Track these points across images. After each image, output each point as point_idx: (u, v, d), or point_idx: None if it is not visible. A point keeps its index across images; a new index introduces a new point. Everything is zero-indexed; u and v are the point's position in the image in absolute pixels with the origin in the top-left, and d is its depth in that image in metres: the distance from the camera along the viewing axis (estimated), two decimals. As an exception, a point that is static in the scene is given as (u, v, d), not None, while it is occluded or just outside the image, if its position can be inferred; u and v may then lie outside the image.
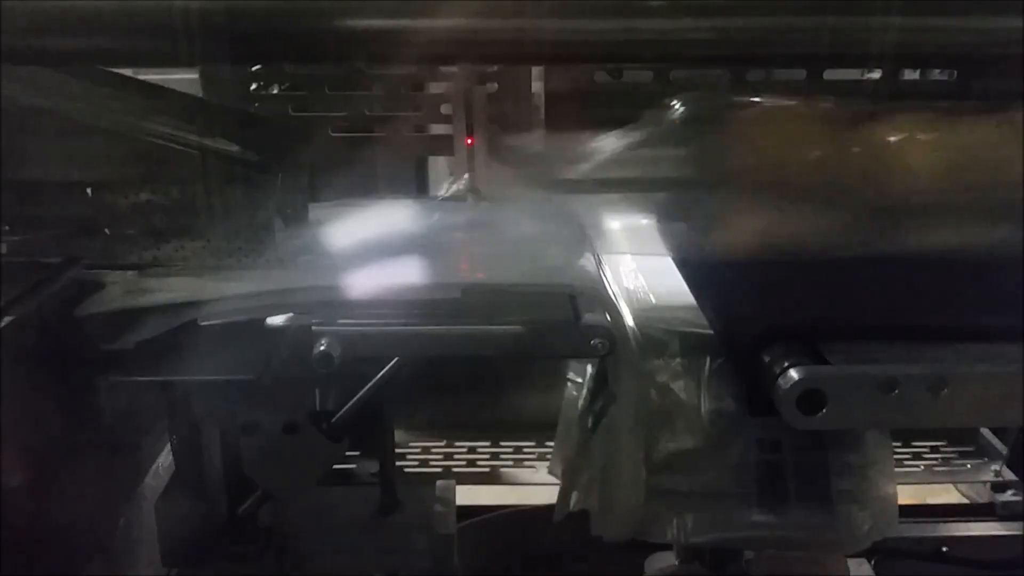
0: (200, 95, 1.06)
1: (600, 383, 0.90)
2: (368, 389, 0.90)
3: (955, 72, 1.15)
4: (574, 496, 0.93)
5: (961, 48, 0.75)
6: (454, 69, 1.10)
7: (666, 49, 0.74)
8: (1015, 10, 0.71)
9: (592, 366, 0.94)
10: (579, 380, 0.97)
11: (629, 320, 0.88)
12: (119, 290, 0.83)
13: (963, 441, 1.38)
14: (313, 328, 0.76)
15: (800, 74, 1.11)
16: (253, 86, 1.14)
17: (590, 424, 0.91)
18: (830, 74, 1.11)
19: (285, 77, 1.17)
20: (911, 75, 1.19)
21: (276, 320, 0.78)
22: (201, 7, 0.66)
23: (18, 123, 0.79)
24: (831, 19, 0.72)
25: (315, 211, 0.98)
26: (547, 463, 1.08)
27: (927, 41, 0.75)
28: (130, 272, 0.85)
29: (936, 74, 1.20)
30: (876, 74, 1.14)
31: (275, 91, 1.17)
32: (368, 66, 1.13)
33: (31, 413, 0.77)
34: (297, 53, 0.78)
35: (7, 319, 0.73)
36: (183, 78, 1.02)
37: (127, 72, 0.91)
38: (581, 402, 0.94)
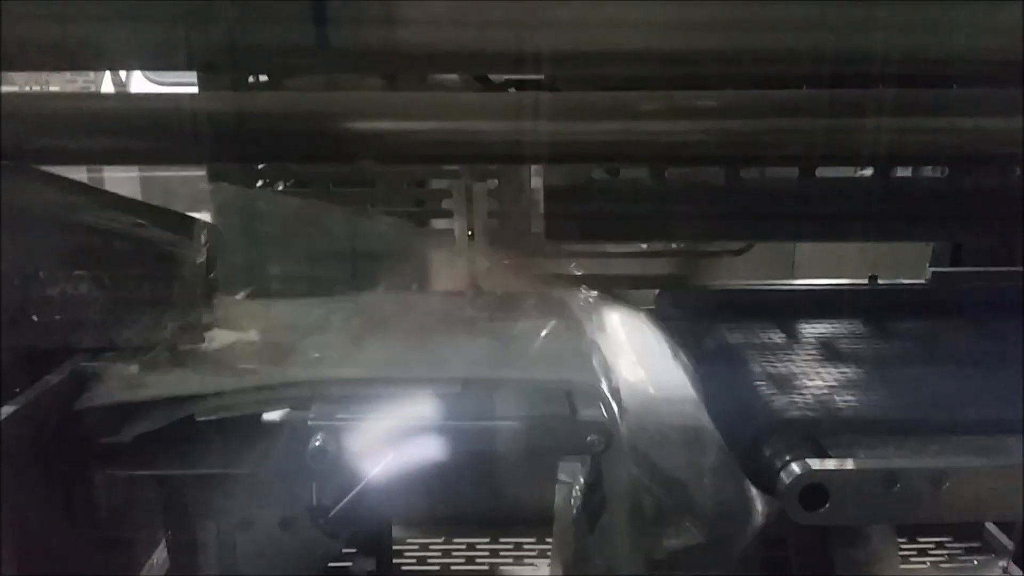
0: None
1: (594, 483, 0.89)
2: (365, 484, 0.89)
3: (946, 169, 1.17)
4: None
5: (952, 148, 0.78)
6: (455, 167, 1.12)
7: (661, 149, 0.76)
8: (1008, 110, 0.74)
9: (584, 464, 0.93)
10: (569, 481, 0.96)
11: (626, 415, 0.87)
12: (118, 384, 0.83)
13: (969, 537, 1.35)
14: (309, 423, 0.76)
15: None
16: (259, 183, 1.16)
17: (586, 526, 0.90)
18: (823, 171, 1.13)
19: (290, 174, 1.19)
20: (903, 171, 1.22)
21: (273, 415, 0.78)
22: (211, 109, 0.68)
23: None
24: (823, 121, 0.74)
25: (318, 304, 0.99)
26: (547, 559, 1.06)
27: (918, 141, 0.77)
28: (130, 366, 0.85)
29: (928, 171, 1.22)
30: (868, 171, 1.16)
31: (280, 187, 1.19)
32: (371, 164, 1.16)
33: (27, 506, 0.76)
34: (302, 153, 0.80)
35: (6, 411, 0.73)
36: (189, 175, 1.04)
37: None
38: (574, 503, 0.93)
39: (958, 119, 0.77)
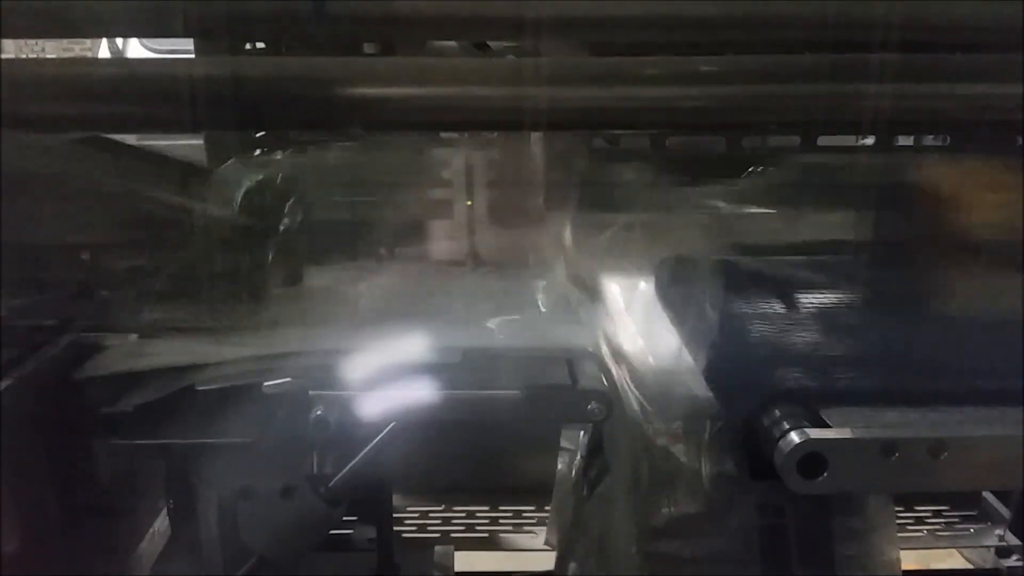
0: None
1: (594, 450, 0.89)
2: (366, 453, 0.89)
3: (948, 138, 1.17)
4: (571, 566, 0.92)
5: (954, 114, 0.77)
6: (454, 134, 1.11)
7: (662, 116, 0.75)
8: (1008, 77, 0.73)
9: (585, 432, 0.93)
10: (572, 447, 0.96)
11: (626, 384, 0.88)
12: (118, 353, 0.83)
13: (966, 505, 1.36)
14: (310, 393, 0.76)
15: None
16: (257, 151, 1.15)
17: (585, 492, 0.90)
18: (824, 140, 1.12)
19: (288, 143, 1.18)
20: (905, 140, 1.21)
21: (273, 385, 0.78)
22: (207, 75, 0.67)
23: (18, 187, 0.80)
24: (824, 87, 0.74)
25: (315, 274, 0.99)
26: (547, 527, 1.06)
27: (920, 108, 0.76)
28: (130, 336, 0.85)
29: (930, 139, 1.22)
30: (870, 140, 1.15)
31: (278, 156, 1.18)
32: (369, 132, 1.15)
33: (28, 476, 0.77)
34: (300, 120, 0.80)
35: (6, 382, 0.73)
36: (187, 143, 1.03)
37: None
38: (575, 469, 0.94)
39: (960, 85, 0.76)
